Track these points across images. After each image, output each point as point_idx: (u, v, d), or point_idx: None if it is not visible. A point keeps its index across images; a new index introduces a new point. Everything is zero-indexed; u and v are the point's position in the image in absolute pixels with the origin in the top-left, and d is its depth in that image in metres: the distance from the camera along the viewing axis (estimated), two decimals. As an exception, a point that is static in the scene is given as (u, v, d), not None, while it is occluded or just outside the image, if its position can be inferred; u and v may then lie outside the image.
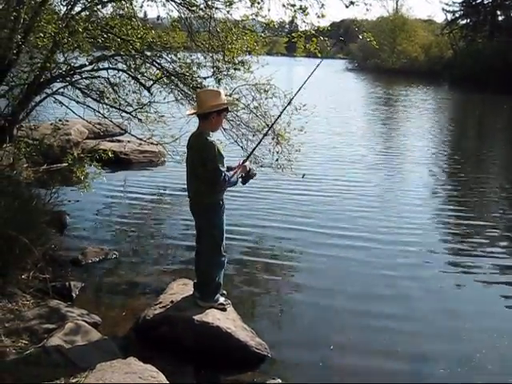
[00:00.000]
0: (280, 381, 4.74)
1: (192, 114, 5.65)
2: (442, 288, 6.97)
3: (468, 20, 58.00)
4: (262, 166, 9.84)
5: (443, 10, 59.84)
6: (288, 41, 9.85)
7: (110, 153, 10.17)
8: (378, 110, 27.00)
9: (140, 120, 10.25)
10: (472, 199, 11.36)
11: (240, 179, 5.38)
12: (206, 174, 5.07)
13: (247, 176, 5.44)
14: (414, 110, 27.34)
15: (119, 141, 13.63)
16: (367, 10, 8.31)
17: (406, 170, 13.93)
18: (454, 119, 27.13)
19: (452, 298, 6.74)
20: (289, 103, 6.46)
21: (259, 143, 6.50)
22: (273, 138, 9.51)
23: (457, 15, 58.97)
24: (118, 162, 12.32)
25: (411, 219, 9.54)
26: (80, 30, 7.94)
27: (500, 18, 55.81)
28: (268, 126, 8.78)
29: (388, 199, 10.91)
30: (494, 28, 53.63)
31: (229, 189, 5.36)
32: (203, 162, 5.06)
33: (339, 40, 9.93)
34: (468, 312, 6.35)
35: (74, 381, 4.01)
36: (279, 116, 6.76)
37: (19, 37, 7.72)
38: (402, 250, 8.04)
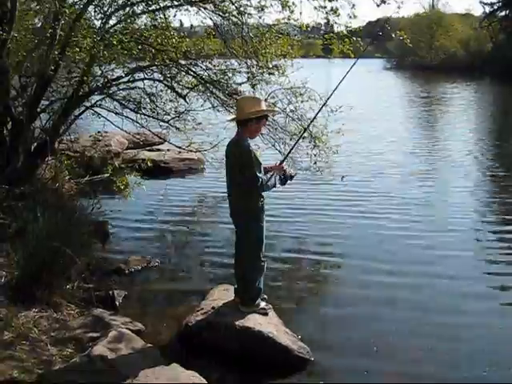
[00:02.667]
0: (323, 384, 4.72)
1: (231, 120, 5.72)
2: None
3: (507, 11, 56.78)
4: (300, 170, 9.84)
5: (481, 2, 58.76)
6: (324, 43, 9.82)
7: (149, 162, 10.38)
8: (420, 111, 26.25)
9: (178, 129, 10.37)
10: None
11: (278, 181, 5.39)
12: (245, 180, 5.10)
13: (285, 177, 5.45)
14: (459, 109, 26.13)
15: (159, 150, 13.82)
16: (399, 7, 8.17)
17: (456, 179, 12.45)
18: (501, 117, 25.53)
19: None
20: (324, 104, 6.40)
21: (295, 145, 6.55)
22: (310, 142, 9.50)
23: (495, 7, 57.83)
24: (158, 171, 12.55)
25: (465, 245, 8.23)
26: (115, 42, 8.05)
27: (540, 8, 54.60)
28: (305, 128, 8.77)
29: (437, 217, 9.58)
30: (535, 18, 52.46)
31: (269, 194, 5.39)
32: (241, 169, 5.09)
33: (377, 36, 9.70)
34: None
35: (118, 388, 4.07)
36: (314, 117, 6.74)
37: (56, 52, 7.88)
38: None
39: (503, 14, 57.39)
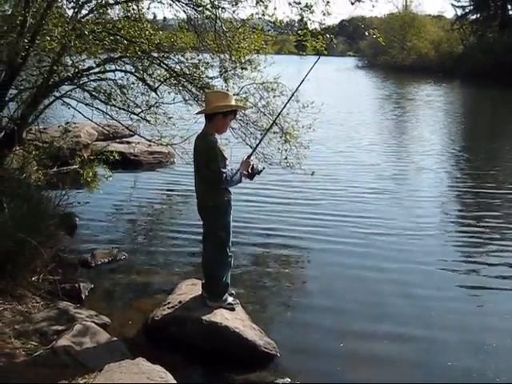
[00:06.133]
0: (289, 380, 4.72)
1: (199, 113, 5.68)
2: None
3: (478, 15, 57.59)
4: (270, 165, 9.85)
5: (452, 5, 59.48)
6: (297, 40, 9.84)
7: (116, 155, 10.29)
8: (390, 109, 26.45)
9: (148, 121, 10.28)
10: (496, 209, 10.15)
11: (244, 176, 5.37)
12: (210, 174, 5.08)
13: (252, 172, 5.43)
14: (427, 109, 26.60)
15: (128, 142, 13.69)
16: (373, 6, 8.25)
17: (423, 175, 12.92)
18: (468, 117, 26.20)
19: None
20: (290, 97, 6.41)
21: (263, 138, 6.58)
22: (281, 137, 9.52)
23: (466, 10, 58.57)
24: (128, 164, 12.53)
25: (424, 235, 8.57)
26: (86, 32, 7.94)
27: (511, 12, 55.37)
28: (275, 123, 8.78)
29: (404, 211, 9.88)
30: (505, 22, 53.11)
31: (238, 188, 5.37)
32: (207, 163, 5.07)
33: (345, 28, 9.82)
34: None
35: (82, 382, 4.02)
36: (282, 110, 6.79)
37: (26, 40, 7.75)
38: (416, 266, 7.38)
39: (474, 17, 58.19)
